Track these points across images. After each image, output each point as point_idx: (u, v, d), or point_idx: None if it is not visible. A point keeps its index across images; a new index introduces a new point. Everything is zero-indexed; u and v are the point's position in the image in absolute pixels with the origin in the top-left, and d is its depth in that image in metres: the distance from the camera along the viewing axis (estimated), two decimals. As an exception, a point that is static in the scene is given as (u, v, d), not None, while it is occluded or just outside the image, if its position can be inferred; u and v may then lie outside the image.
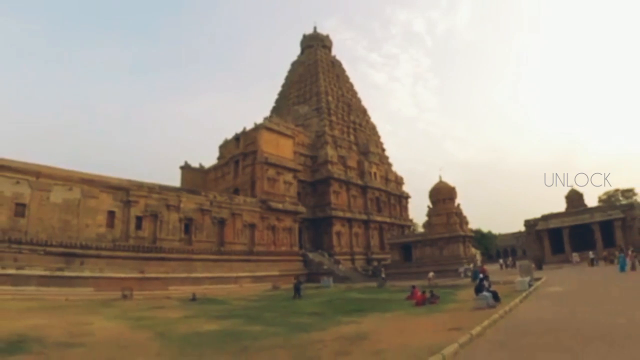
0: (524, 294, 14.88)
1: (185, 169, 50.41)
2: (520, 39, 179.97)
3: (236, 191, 43.34)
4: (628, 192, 76.66)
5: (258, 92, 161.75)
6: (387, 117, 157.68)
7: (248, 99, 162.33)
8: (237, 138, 46.50)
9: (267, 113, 62.13)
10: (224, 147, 49.81)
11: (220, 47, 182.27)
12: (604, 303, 12.24)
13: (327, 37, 65.38)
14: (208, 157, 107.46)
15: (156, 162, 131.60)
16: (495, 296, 12.54)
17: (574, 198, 52.54)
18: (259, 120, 46.83)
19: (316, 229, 46.48)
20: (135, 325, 11.99)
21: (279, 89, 64.89)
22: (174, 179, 49.98)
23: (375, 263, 47.23)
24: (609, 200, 72.85)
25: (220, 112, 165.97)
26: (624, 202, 71.07)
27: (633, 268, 23.19)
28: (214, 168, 50.45)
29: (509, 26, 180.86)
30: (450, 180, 41.79)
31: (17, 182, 25.16)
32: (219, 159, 50.70)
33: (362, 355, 7.39)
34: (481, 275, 17.26)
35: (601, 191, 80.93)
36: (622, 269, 22.72)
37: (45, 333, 10.42)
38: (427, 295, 15.49)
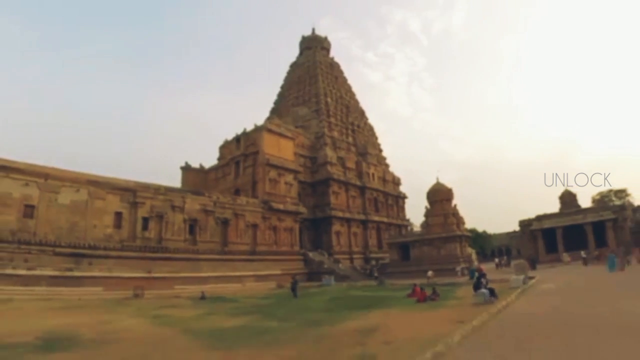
0: (519, 291, 15.95)
1: (186, 169, 51.19)
2: (516, 39, 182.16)
3: (237, 191, 44.15)
4: (621, 193, 78.04)
5: (255, 91, 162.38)
6: (383, 116, 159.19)
7: (243, 96, 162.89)
8: (237, 139, 47.28)
9: (265, 113, 63.05)
10: (224, 147, 50.56)
11: (215, 46, 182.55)
12: (591, 298, 13.33)
13: (326, 39, 66.33)
14: (204, 155, 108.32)
15: (152, 161, 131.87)
16: (492, 292, 13.55)
17: (568, 198, 54.00)
18: (258, 121, 47.80)
19: (316, 228, 47.42)
20: (158, 322, 12.81)
21: (274, 88, 66.26)
22: (174, 179, 50.78)
23: (373, 262, 48.25)
24: (602, 201, 74.25)
25: (216, 112, 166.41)
26: (617, 202, 72.60)
27: (622, 268, 24.26)
28: (215, 168, 51.23)
29: (505, 26, 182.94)
30: (445, 180, 43.13)
31: (26, 184, 25.78)
32: (219, 159, 51.45)
33: (376, 345, 8.29)
34: (477, 274, 18.32)
35: (595, 191, 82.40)
36: (611, 268, 23.79)
37: (76, 331, 11.04)
38: (428, 292, 16.46)
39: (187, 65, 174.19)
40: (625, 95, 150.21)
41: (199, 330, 11.35)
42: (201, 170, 52.26)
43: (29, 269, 23.80)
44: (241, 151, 45.73)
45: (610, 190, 78.77)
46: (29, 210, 25.61)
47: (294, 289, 22.63)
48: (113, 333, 11.01)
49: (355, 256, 48.45)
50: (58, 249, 25.28)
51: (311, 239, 46.82)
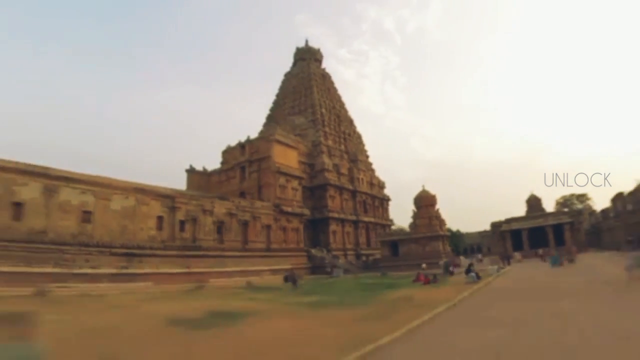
0: (494, 275, 23.19)
1: (191, 172, 56.52)
2: (489, 41, 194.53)
3: (242, 194, 49.79)
4: (582, 197, 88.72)
5: (230, 86, 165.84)
6: (355, 113, 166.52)
7: (216, 90, 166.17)
8: (242, 146, 52.87)
9: (250, 112, 68.36)
10: (228, 153, 55.92)
11: (184, 41, 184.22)
12: (533, 279, 20.76)
13: (318, 50, 72.69)
14: (191, 153, 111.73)
15: (147, 161, 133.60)
16: (478, 276, 20.56)
17: (534, 202, 63.26)
18: (253, 125, 53.37)
19: (314, 228, 53.86)
20: (257, 302, 18.58)
21: (247, 82, 71.38)
22: (175, 180, 55.73)
23: (364, 258, 55.36)
24: (565, 204, 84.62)
25: (190, 106, 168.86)
26: (578, 205, 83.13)
27: (561, 264, 31.96)
28: (218, 172, 56.52)
29: (478, 27, 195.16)
30: (417, 179, 50.90)
31: (83, 192, 30.65)
32: (222, 163, 56.71)
33: (419, 302, 14.80)
34: (451, 268, 25.76)
35: (559, 194, 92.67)
36: (554, 264, 31.43)
37: (223, 308, 15.30)
38: (430, 278, 23.35)
39: (159, 63, 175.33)
40: (595, 100, 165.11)
41: (292, 303, 17.37)
42: (204, 173, 57.50)
43: (92, 267, 28.85)
44: (246, 157, 51.35)
45: (573, 194, 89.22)
46: (86, 216, 30.43)
47: (294, 280, 27.67)
48: (254, 308, 15.49)
49: (348, 252, 55.32)
50: (113, 250, 30.39)
51: (310, 237, 53.19)
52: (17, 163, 28.08)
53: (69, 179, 30.05)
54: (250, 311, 14.73)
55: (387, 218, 70.40)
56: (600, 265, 26.40)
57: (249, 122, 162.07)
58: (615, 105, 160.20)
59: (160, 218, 33.62)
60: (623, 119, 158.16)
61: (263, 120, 69.59)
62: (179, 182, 56.05)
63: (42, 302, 19.25)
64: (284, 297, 20.63)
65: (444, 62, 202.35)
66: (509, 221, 55.93)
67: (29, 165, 28.57)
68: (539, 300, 13.00)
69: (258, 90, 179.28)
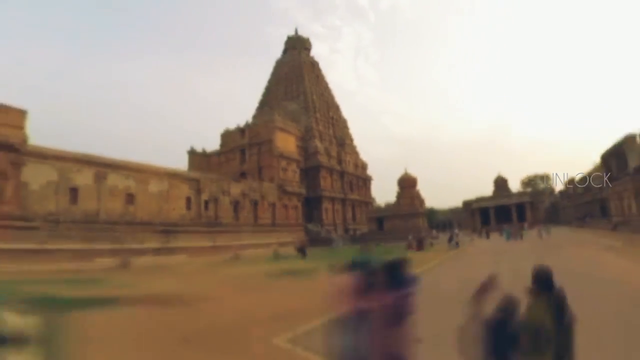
0: (467, 244, 31.98)
1: (192, 153, 62.57)
2: (460, 20, 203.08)
3: (242, 175, 56.45)
4: (545, 177, 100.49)
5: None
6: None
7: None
8: (241, 130, 59.23)
9: (238, 91, 73.84)
10: (227, 136, 62.09)
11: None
12: (492, 246, 29.61)
13: (308, 39, 78.56)
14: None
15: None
16: (457, 244, 29.14)
17: (500, 183, 73.43)
18: (243, 108, 59.88)
19: (308, 205, 61.60)
20: (305, 264, 26.34)
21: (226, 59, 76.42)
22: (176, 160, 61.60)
23: (351, 232, 64.00)
24: (530, 184, 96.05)
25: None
26: (541, 185, 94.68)
27: (515, 238, 40.83)
28: (217, 154, 62.74)
29: (450, 7, 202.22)
30: (387, 155, 59.38)
31: (127, 178, 36.64)
32: (221, 146, 62.86)
33: (418, 260, 22.99)
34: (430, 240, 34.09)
35: (524, 175, 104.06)
36: (507, 238, 40.42)
37: (290, 269, 24.20)
38: (421, 244, 31.81)
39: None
40: (560, 84, 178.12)
41: (330, 264, 25.16)
42: (204, 154, 63.63)
43: (138, 243, 35.22)
44: (246, 141, 57.82)
45: (536, 175, 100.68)
46: (129, 198, 36.40)
47: (303, 251, 34.63)
48: (306, 268, 23.39)
49: (337, 227, 63.71)
50: (154, 227, 36.92)
51: (305, 213, 60.97)
52: (71, 153, 33.63)
53: (115, 166, 35.84)
54: (312, 269, 21.90)
55: (369, 196, 79.14)
56: (536, 237, 35.65)
57: (207, 100, 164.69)
58: (578, 89, 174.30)
59: (188, 199, 40.19)
60: (586, 102, 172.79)
61: (220, 99, 75.46)
62: (174, 161, 61.87)
63: (135, 271, 26.05)
64: (314, 261, 28.40)
65: (416, 40, 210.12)
66: (478, 200, 65.96)
67: (81, 154, 34.17)
68: (491, 255, 21.50)
69: (228, 65, 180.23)
